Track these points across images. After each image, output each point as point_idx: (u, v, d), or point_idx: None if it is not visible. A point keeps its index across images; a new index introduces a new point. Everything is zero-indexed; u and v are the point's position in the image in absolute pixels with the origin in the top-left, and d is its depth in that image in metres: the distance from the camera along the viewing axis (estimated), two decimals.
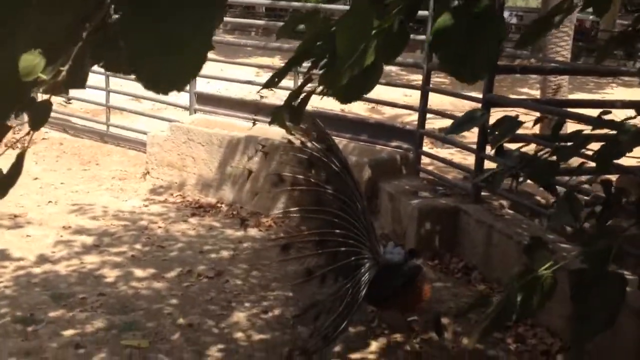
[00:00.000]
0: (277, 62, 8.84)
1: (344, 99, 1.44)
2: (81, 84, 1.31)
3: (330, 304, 3.88)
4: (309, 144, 4.03)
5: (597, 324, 1.49)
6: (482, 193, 5.39)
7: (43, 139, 8.61)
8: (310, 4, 20.08)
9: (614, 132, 2.40)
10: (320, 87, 1.65)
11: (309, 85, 2.00)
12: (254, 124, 5.71)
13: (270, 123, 2.16)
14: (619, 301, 1.45)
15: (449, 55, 1.20)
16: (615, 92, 14.40)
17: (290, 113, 2.06)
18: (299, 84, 2.08)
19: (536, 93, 11.75)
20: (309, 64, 1.82)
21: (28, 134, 1.42)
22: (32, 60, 1.08)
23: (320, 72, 1.64)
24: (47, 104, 1.37)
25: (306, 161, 4.07)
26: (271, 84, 1.77)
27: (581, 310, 1.51)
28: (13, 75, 1.03)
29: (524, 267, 1.80)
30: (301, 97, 2.02)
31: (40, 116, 1.40)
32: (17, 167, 1.34)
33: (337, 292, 3.92)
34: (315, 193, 4.07)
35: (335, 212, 3.99)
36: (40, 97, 1.43)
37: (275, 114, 2.09)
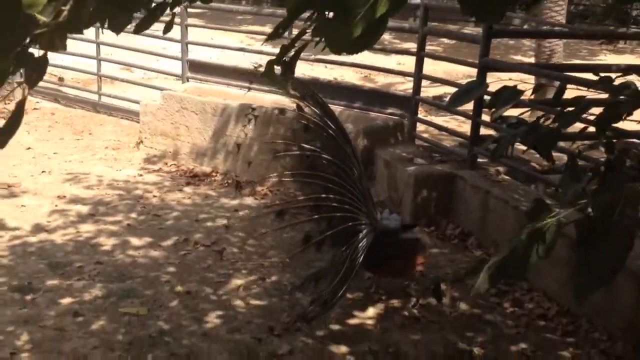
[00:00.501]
0: (269, 30, 8.72)
1: (349, 49, 1.40)
2: (80, 27, 1.28)
3: (329, 271, 3.88)
4: (305, 109, 3.99)
5: (601, 274, 1.48)
6: (479, 159, 5.38)
7: (34, 109, 8.53)
8: None
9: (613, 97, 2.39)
10: (316, 36, 1.61)
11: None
12: (249, 90, 5.63)
13: (261, 75, 2.13)
14: (625, 250, 1.45)
15: None
16: (608, 58, 14.36)
17: (282, 66, 2.03)
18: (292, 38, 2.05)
19: (530, 60, 11.69)
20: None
21: (23, 85, 1.40)
22: None
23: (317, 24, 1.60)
24: (44, 60, 1.34)
25: (302, 126, 4.03)
26: (275, 35, 1.74)
27: (585, 259, 1.51)
28: (15, 7, 1.00)
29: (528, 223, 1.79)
30: (293, 50, 1.99)
31: (36, 71, 1.38)
32: (17, 116, 1.32)
33: (335, 258, 3.93)
34: (310, 158, 4.03)
35: (330, 177, 3.96)
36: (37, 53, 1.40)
37: (267, 68, 2.06)
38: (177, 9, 2.23)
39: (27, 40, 1.28)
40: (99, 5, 1.28)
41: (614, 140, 2.38)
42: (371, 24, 1.20)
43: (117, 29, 1.60)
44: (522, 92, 2.34)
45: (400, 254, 4.11)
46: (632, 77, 2.56)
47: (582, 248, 1.53)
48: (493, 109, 2.45)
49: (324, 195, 4.00)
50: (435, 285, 3.98)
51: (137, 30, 1.80)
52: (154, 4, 1.85)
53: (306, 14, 1.78)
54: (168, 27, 2.16)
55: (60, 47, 1.45)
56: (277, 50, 2.04)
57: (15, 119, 1.33)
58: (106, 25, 1.54)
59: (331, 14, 1.57)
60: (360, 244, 3.93)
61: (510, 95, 2.28)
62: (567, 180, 2.18)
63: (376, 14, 1.17)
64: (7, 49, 1.17)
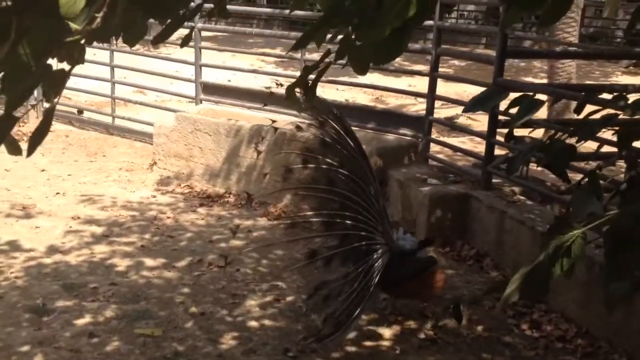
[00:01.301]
0: (280, 52, 8.79)
1: (375, 59, 1.40)
2: (108, 37, 1.28)
3: (340, 287, 3.83)
4: (325, 125, 3.98)
5: (633, 280, 1.46)
6: (493, 180, 5.36)
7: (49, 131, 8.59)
8: None
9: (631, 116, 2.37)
10: (340, 56, 1.61)
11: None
12: (265, 105, 5.62)
13: (285, 99, 2.14)
14: None
15: None
16: (621, 80, 14.34)
17: (304, 89, 2.03)
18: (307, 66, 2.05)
19: (541, 82, 11.69)
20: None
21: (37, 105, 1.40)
22: None
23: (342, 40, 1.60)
24: (63, 73, 1.34)
25: (320, 140, 4.01)
26: (301, 44, 1.74)
27: (616, 268, 1.48)
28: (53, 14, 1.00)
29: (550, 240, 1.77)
30: (316, 72, 1.99)
31: (55, 85, 1.38)
32: (46, 123, 1.32)
33: (346, 275, 3.88)
34: (327, 173, 4.00)
35: (347, 194, 3.93)
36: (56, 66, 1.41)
37: (288, 91, 2.06)
38: (186, 32, 2.24)
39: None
40: (128, 11, 1.28)
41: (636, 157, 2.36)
42: (399, 28, 1.20)
43: (133, 39, 1.59)
44: (542, 102, 2.31)
45: (416, 274, 4.06)
46: None
47: (611, 256, 1.50)
48: (510, 119, 2.42)
49: (339, 213, 3.97)
50: (456, 306, 3.93)
51: (156, 42, 1.80)
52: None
53: (329, 36, 1.79)
54: (186, 40, 2.18)
55: (79, 61, 1.46)
56: (289, 72, 2.05)
57: (44, 127, 1.33)
58: (121, 38, 1.54)
59: (355, 36, 1.58)
60: (376, 264, 3.90)
61: (529, 104, 2.24)
62: (579, 198, 2.14)
63: (408, 12, 1.17)
64: (39, 57, 1.18)
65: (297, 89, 2.16)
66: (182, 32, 2.14)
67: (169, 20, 1.86)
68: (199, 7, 1.89)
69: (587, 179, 2.26)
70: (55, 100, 1.41)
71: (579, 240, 1.63)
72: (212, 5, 2.03)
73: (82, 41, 1.24)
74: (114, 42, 1.49)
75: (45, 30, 1.09)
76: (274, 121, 6.07)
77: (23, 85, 1.32)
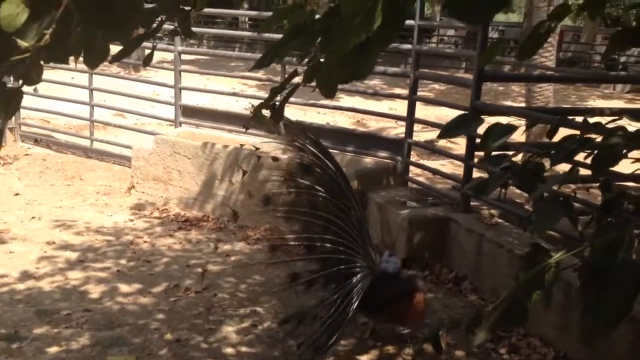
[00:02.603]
0: (261, 75, 8.79)
1: (340, 79, 1.38)
2: (63, 56, 1.24)
3: (317, 311, 3.79)
4: (303, 149, 3.96)
5: (610, 316, 1.43)
6: (472, 202, 5.36)
7: (26, 154, 8.51)
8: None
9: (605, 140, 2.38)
10: (308, 78, 1.59)
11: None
12: (247, 129, 5.62)
13: (250, 118, 2.11)
14: (634, 292, 1.40)
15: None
16: (597, 104, 14.52)
17: (271, 110, 2.01)
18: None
19: (520, 105, 11.80)
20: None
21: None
22: (14, 9, 1.02)
23: (308, 64, 1.59)
24: (19, 92, 1.30)
25: (299, 165, 3.99)
26: (263, 63, 1.71)
27: (591, 303, 1.45)
28: None
29: (525, 268, 1.75)
30: (284, 93, 1.98)
31: (11, 103, 1.34)
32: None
33: (326, 299, 3.84)
34: (307, 197, 3.98)
35: (327, 217, 3.91)
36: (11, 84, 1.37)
37: (255, 111, 2.04)
38: (169, 56, 2.22)
39: None
40: (86, 31, 1.25)
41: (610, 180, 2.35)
42: (361, 47, 1.18)
43: (93, 61, 1.55)
44: (515, 128, 2.31)
45: (401, 294, 4.01)
46: (623, 121, 2.56)
47: (586, 291, 1.48)
48: (485, 144, 2.42)
49: (319, 236, 3.94)
50: (435, 335, 3.88)
51: (114, 59, 1.76)
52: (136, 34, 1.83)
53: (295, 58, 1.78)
54: (148, 59, 2.15)
55: (36, 80, 1.41)
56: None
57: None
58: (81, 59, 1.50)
59: (322, 59, 1.56)
60: (356, 288, 3.86)
61: (502, 131, 2.25)
62: (543, 211, 2.13)
63: (373, 24, 1.15)
64: None
65: (265, 111, 2.13)
66: (165, 55, 2.12)
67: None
68: (159, 27, 1.86)
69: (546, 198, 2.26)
70: (8, 119, 1.37)
71: (552, 270, 1.61)
72: (174, 25, 2.01)
73: (41, 61, 1.20)
74: (73, 62, 1.43)
75: None
76: (257, 148, 6.04)
77: None
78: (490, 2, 1.16)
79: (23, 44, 1.09)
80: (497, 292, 4.61)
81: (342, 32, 1.16)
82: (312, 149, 3.97)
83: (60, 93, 8.63)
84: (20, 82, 1.30)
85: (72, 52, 1.34)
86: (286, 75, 6.76)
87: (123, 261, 5.39)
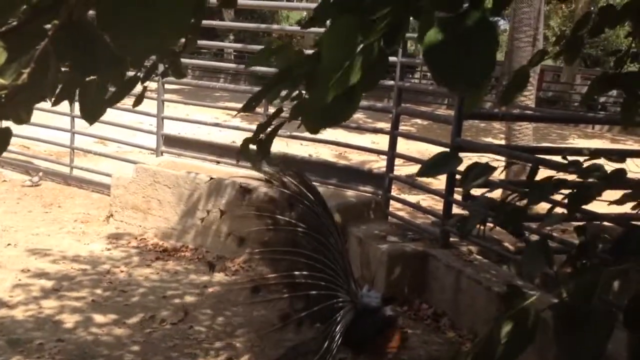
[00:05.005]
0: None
1: (322, 122, 1.39)
2: (43, 96, 1.24)
3: (304, 350, 3.76)
4: (285, 182, 3.95)
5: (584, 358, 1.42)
6: (451, 238, 5.38)
7: (4, 181, 8.41)
8: (288, 27, 20.27)
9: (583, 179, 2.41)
10: (294, 116, 1.60)
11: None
12: (238, 161, 5.58)
13: (238, 156, 2.11)
14: (606, 338, 1.40)
15: (442, 67, 1.17)
16: (578, 142, 14.74)
17: (257, 145, 2.01)
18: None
19: (500, 142, 11.94)
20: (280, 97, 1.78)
21: None
22: None
23: (294, 102, 1.60)
24: (7, 130, 1.29)
25: (281, 199, 3.97)
26: (248, 108, 1.73)
27: (566, 346, 1.45)
28: None
29: (503, 310, 1.74)
30: (269, 129, 1.98)
31: (1, 145, 1.33)
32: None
33: (314, 337, 3.80)
34: (287, 232, 3.96)
35: (309, 253, 3.89)
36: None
37: (242, 146, 2.04)
38: (153, 84, 2.23)
39: None
40: (66, 74, 1.24)
41: (585, 223, 2.37)
42: (344, 94, 1.19)
43: (91, 116, 1.55)
44: (494, 168, 2.33)
45: (381, 329, 3.99)
46: (601, 160, 2.60)
47: (560, 336, 1.47)
48: (464, 184, 2.44)
49: (301, 273, 3.90)
50: None
51: (107, 105, 1.77)
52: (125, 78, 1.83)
53: (283, 93, 1.79)
54: (138, 100, 2.15)
55: (26, 120, 1.41)
56: (252, 127, 2.03)
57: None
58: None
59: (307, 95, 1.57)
60: (340, 323, 3.83)
61: (481, 170, 2.27)
62: (529, 258, 2.14)
63: (351, 79, 1.17)
64: None
65: (251, 145, 2.14)
66: (148, 84, 2.12)
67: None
68: (152, 70, 1.86)
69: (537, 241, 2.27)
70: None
71: (531, 316, 1.60)
72: (165, 66, 2.01)
73: (11, 98, 1.19)
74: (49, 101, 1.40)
75: None
76: (243, 186, 6.03)
77: None
78: (474, 70, 1.17)
79: (1, 81, 1.08)
80: (475, 329, 4.60)
81: (324, 83, 1.18)
82: (294, 181, 3.96)
83: (41, 119, 8.58)
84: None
85: (64, 94, 1.34)
86: (269, 107, 6.81)
87: (99, 291, 5.31)
